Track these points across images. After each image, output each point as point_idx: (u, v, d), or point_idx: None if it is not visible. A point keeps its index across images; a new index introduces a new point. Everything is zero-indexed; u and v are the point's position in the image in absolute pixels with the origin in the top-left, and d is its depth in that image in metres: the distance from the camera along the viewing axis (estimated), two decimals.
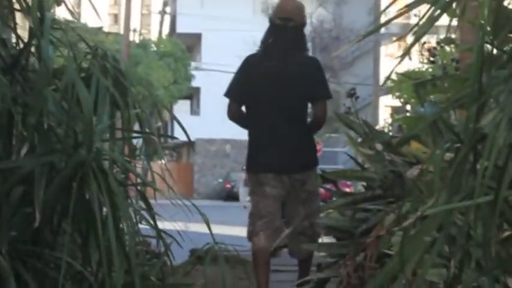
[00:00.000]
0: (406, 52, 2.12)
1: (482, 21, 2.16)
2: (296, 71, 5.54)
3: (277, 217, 5.49)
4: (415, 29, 2.09)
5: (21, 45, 2.64)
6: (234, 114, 5.69)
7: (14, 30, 2.64)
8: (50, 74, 2.43)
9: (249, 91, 5.62)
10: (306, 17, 5.86)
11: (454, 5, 2.11)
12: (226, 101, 5.77)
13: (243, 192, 39.03)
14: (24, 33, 2.58)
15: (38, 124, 2.39)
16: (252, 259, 5.34)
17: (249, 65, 5.76)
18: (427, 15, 1.99)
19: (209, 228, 2.91)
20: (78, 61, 2.77)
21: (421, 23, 2.07)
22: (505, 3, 2.04)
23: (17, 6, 2.59)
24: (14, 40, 2.68)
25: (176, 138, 3.26)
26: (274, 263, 5.72)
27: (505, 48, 2.12)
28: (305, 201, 5.49)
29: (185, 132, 2.87)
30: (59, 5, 2.71)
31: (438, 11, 1.98)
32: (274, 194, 5.47)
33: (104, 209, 2.40)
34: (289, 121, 5.55)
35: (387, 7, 2.09)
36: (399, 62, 2.10)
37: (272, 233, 5.38)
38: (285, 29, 5.60)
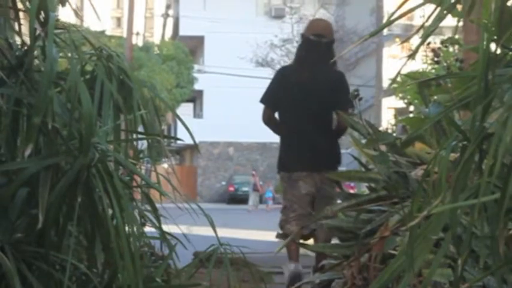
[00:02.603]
0: (413, 54, 2.12)
1: (486, 21, 2.15)
2: (325, 83, 6.28)
3: (307, 210, 6.22)
4: (421, 30, 2.09)
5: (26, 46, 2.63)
6: (268, 119, 6.46)
7: (19, 30, 2.64)
8: (54, 75, 2.42)
9: (282, 99, 6.37)
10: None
11: (458, 5, 2.11)
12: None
13: (254, 197, 39.03)
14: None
15: (43, 125, 2.39)
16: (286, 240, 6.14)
17: (283, 75, 6.51)
18: (433, 16, 1.99)
19: (214, 230, 2.91)
20: (83, 63, 2.78)
21: (426, 24, 2.07)
22: (509, 3, 2.04)
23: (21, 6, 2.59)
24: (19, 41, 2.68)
25: (181, 139, 3.27)
26: (273, 265, 6.55)
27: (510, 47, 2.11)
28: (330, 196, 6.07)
29: (190, 134, 2.86)
30: (63, 5, 2.71)
31: (444, 12, 1.98)
32: (306, 189, 6.21)
33: (110, 211, 2.40)
34: (318, 126, 6.28)
35: (394, 12, 2.08)
36: (405, 63, 2.10)
37: (301, 224, 6.13)
38: (319, 45, 6.36)
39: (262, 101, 6.45)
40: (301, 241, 6.18)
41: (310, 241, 6.21)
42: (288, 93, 6.34)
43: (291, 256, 6.10)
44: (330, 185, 6.07)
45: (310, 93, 6.28)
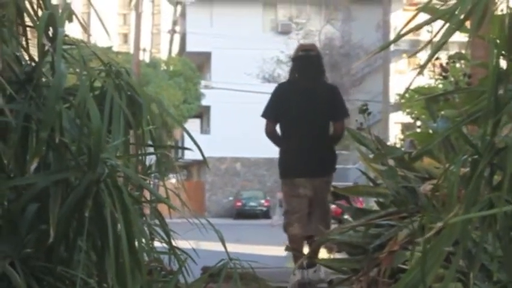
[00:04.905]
0: (422, 69, 2.13)
1: (494, 37, 2.16)
2: (320, 95, 6.77)
3: (306, 212, 6.67)
4: (429, 45, 2.09)
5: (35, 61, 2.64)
6: (270, 132, 6.91)
7: (27, 46, 2.65)
8: (62, 90, 2.43)
9: (282, 111, 6.80)
10: None
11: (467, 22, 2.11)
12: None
13: (279, 211, 38.99)
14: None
15: (51, 140, 2.39)
16: (289, 242, 6.68)
17: (281, 90, 6.98)
18: (442, 31, 1.99)
19: (224, 245, 2.90)
20: (92, 78, 2.78)
21: (434, 39, 2.07)
22: None
23: (29, 22, 2.60)
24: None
25: (190, 149, 3.28)
26: (282, 280, 6.48)
27: None
28: (325, 198, 6.64)
29: (199, 148, 2.87)
30: (70, 21, 2.72)
31: (453, 28, 1.98)
32: (305, 193, 6.66)
33: (119, 226, 2.40)
34: (316, 135, 6.73)
35: (402, 28, 2.09)
36: (414, 79, 2.11)
37: (303, 225, 6.62)
38: (308, 58, 6.88)
39: (264, 115, 6.91)
40: (305, 244, 6.66)
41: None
42: (287, 106, 6.77)
43: (297, 262, 6.36)
44: (324, 190, 6.61)
45: (308, 105, 6.73)
